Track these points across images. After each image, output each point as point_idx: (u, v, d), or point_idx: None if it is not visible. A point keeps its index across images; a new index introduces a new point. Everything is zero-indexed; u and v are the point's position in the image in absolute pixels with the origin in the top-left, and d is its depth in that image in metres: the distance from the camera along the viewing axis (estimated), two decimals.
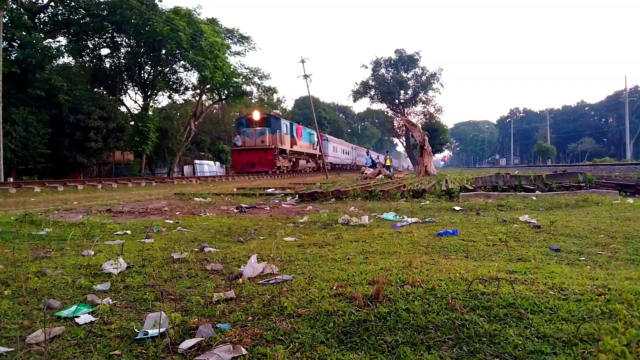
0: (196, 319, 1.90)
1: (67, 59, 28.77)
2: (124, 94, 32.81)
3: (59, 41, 28.62)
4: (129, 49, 30.34)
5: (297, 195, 9.28)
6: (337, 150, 45.32)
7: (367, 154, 29.08)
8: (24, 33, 22.62)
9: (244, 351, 1.59)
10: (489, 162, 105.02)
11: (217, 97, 35.93)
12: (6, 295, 2.33)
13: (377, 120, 79.41)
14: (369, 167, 24.45)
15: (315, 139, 34.63)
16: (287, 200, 8.81)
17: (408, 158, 66.40)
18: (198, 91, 34.29)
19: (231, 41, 34.10)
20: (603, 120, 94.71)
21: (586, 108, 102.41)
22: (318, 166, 36.92)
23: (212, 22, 31.61)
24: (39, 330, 1.80)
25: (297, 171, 30.96)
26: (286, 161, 28.58)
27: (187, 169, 36.34)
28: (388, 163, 27.17)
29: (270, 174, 25.24)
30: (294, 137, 29.50)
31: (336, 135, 58.85)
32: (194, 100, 35.88)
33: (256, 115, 26.08)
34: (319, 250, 3.39)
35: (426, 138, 18.66)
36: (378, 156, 42.96)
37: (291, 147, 28.70)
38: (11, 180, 16.60)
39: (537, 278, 2.28)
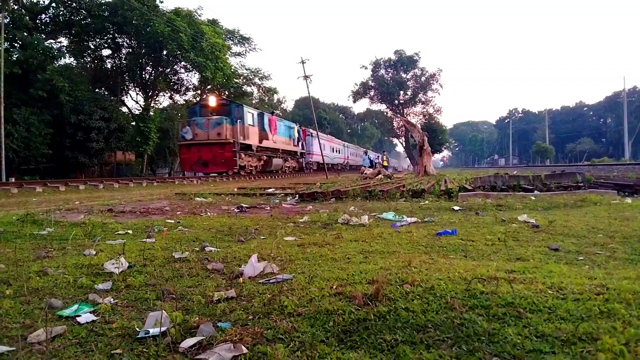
0: (197, 318, 1.92)
1: (68, 60, 28.86)
2: (125, 95, 32.90)
3: (60, 42, 28.73)
4: (130, 50, 30.39)
5: (297, 195, 9.29)
6: (325, 147, 39.17)
7: (366, 154, 28.93)
8: (25, 34, 22.69)
9: (245, 350, 1.60)
10: (488, 162, 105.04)
11: None
12: (8, 294, 2.34)
13: (376, 121, 79.45)
14: (367, 167, 24.51)
15: (296, 134, 29.91)
16: (287, 200, 8.82)
17: (407, 158, 66.42)
18: (199, 92, 34.32)
19: (232, 42, 34.20)
20: (601, 120, 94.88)
21: (585, 108, 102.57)
22: (300, 166, 31.82)
23: (213, 23, 31.69)
24: (40, 330, 1.82)
25: (269, 172, 25.24)
26: (254, 160, 22.89)
27: None
28: (385, 163, 27.20)
29: (232, 176, 20.12)
30: (264, 130, 23.89)
31: (336, 135, 57.74)
32: (195, 101, 35.92)
33: (212, 101, 20.87)
34: (319, 250, 3.40)
35: (425, 138, 18.68)
36: (378, 156, 42.56)
37: (260, 142, 23.08)
38: (13, 180, 16.61)
39: (536, 277, 2.29)
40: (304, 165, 32.67)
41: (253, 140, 22.09)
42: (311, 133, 35.15)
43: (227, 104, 21.12)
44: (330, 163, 41.15)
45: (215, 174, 20.49)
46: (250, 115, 22.00)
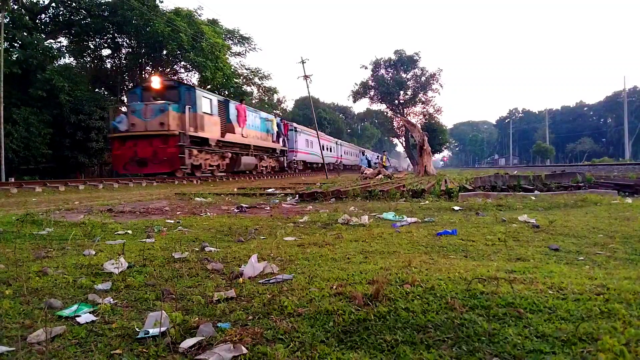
0: (197, 318, 1.91)
1: (68, 60, 28.89)
2: (125, 95, 32.88)
3: (60, 42, 28.77)
4: (130, 50, 30.43)
5: (297, 195, 9.29)
6: (313, 144, 34.49)
7: (363, 154, 28.76)
8: (25, 34, 22.70)
9: (245, 350, 1.59)
10: (488, 162, 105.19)
11: None
12: (7, 294, 2.34)
13: (376, 121, 79.54)
14: (365, 167, 24.55)
15: (276, 128, 25.59)
16: (287, 200, 8.82)
17: (407, 158, 66.47)
18: None
19: (232, 42, 34.22)
20: (602, 120, 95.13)
21: (585, 108, 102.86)
22: (281, 165, 27.35)
23: (213, 23, 31.70)
24: (40, 330, 1.81)
25: (238, 173, 21.01)
26: (214, 158, 18.71)
27: None
28: (384, 163, 27.25)
29: (180, 179, 16.03)
30: (229, 121, 19.66)
31: (336, 135, 57.34)
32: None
33: (155, 83, 16.69)
34: (319, 250, 3.40)
35: (425, 138, 18.70)
36: (378, 156, 42.30)
37: (222, 135, 18.84)
38: (12, 180, 16.61)
39: (536, 277, 2.28)
40: (285, 164, 28.09)
41: (211, 132, 17.95)
42: (295, 127, 30.68)
43: (175, 87, 17.11)
44: (319, 162, 36.12)
45: (164, 176, 16.44)
46: (207, 101, 17.87)
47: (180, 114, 16.10)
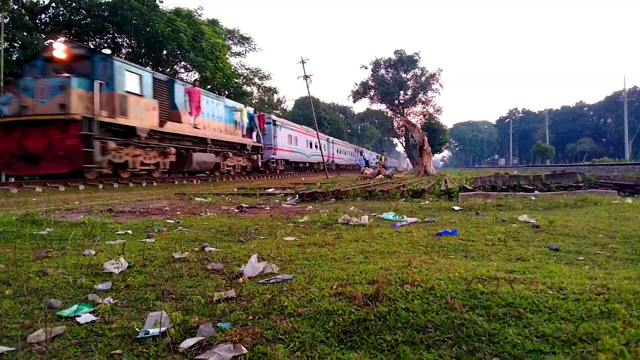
0: (197, 318, 1.91)
1: None
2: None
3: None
4: (130, 50, 30.48)
5: (297, 195, 9.30)
6: (298, 141, 30.67)
7: (361, 154, 28.64)
8: (25, 34, 22.71)
9: (245, 350, 1.59)
10: (488, 162, 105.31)
11: None
12: (7, 294, 2.34)
13: (376, 121, 79.61)
14: (363, 166, 24.59)
15: (246, 120, 20.70)
16: (287, 200, 8.82)
17: (407, 158, 66.50)
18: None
19: (232, 42, 34.28)
20: (602, 120, 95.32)
21: (585, 108, 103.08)
22: (254, 164, 22.50)
23: (213, 23, 31.74)
24: (40, 330, 1.81)
25: (192, 174, 17.64)
26: (148, 154, 14.36)
27: None
28: (383, 163, 27.34)
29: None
30: (174, 107, 15.38)
31: (336, 135, 56.90)
32: None
33: (58, 51, 12.33)
34: (319, 250, 3.40)
35: (425, 138, 18.73)
36: (377, 156, 42.26)
37: (161, 124, 14.45)
38: (12, 180, 16.60)
39: (536, 277, 2.28)
40: (259, 163, 23.29)
41: (141, 120, 13.36)
42: (273, 120, 25.80)
43: (88, 56, 12.59)
44: (307, 161, 33.27)
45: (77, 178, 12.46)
46: (134, 77, 13.22)
47: (88, 92, 11.74)
